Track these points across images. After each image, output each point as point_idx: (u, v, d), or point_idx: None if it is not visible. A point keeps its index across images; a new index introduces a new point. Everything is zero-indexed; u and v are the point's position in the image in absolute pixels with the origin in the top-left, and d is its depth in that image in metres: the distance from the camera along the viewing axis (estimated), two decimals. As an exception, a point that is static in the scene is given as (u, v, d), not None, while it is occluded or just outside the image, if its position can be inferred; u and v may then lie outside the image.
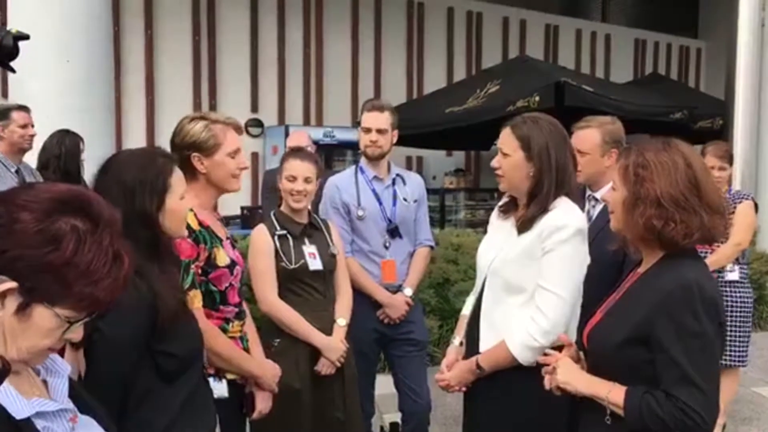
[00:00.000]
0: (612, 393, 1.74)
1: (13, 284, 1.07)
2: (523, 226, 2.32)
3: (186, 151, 2.30)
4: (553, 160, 2.30)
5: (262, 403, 2.51)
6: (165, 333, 1.74)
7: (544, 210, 2.28)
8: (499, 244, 2.41)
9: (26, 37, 2.54)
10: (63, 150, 4.51)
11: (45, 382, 1.21)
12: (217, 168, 2.34)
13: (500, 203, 2.54)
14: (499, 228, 2.48)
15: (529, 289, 2.28)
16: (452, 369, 2.46)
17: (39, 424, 1.12)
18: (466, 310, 2.60)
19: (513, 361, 2.25)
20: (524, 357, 2.23)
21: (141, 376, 1.74)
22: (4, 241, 1.06)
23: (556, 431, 2.30)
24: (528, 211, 2.32)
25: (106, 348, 1.67)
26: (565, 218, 2.27)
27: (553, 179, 2.29)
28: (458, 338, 2.56)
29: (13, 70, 2.74)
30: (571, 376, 1.86)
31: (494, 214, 2.57)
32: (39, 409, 1.12)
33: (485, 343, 2.34)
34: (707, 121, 8.75)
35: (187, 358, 1.85)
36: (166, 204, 1.86)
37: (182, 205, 1.93)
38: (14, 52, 2.57)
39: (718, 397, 1.70)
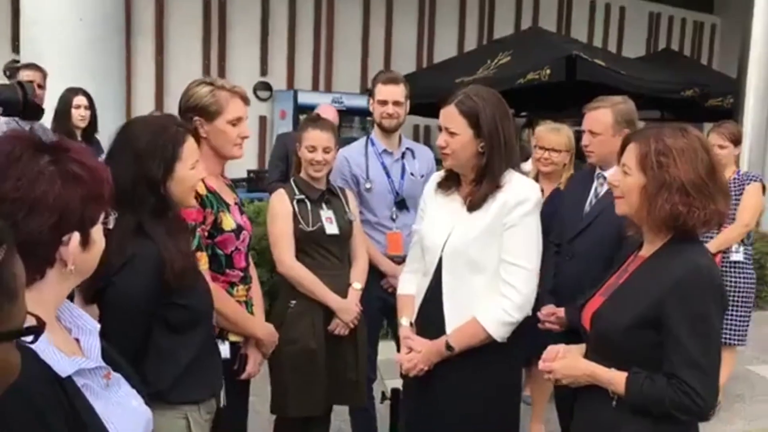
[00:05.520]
0: (614, 380, 1.78)
1: (76, 235, 1.17)
2: (476, 204, 2.27)
3: (189, 114, 2.32)
4: (502, 135, 2.24)
5: (253, 366, 2.56)
6: (175, 289, 1.80)
7: (496, 187, 2.25)
8: (447, 222, 2.34)
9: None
10: (59, 107, 4.53)
11: (77, 340, 1.26)
12: (218, 134, 2.36)
13: (438, 180, 2.45)
14: (442, 205, 2.40)
15: (492, 265, 2.26)
16: (418, 350, 2.32)
17: (78, 381, 1.17)
18: (407, 290, 2.51)
19: (486, 339, 2.23)
20: (500, 333, 2.24)
21: (153, 330, 1.80)
22: (46, 209, 1.13)
23: (513, 404, 2.43)
24: (480, 188, 2.27)
25: (119, 302, 1.74)
26: (524, 192, 2.25)
27: (503, 155, 2.25)
28: (407, 319, 2.45)
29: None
30: (569, 372, 1.89)
31: (430, 190, 2.48)
32: (79, 367, 1.17)
33: (453, 326, 2.30)
34: (718, 100, 8.69)
35: (198, 311, 1.90)
36: (175, 171, 1.90)
37: (192, 174, 1.95)
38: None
39: (718, 382, 1.75)
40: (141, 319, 1.78)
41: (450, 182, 2.39)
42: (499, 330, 2.23)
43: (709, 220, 1.76)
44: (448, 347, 2.26)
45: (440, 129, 2.32)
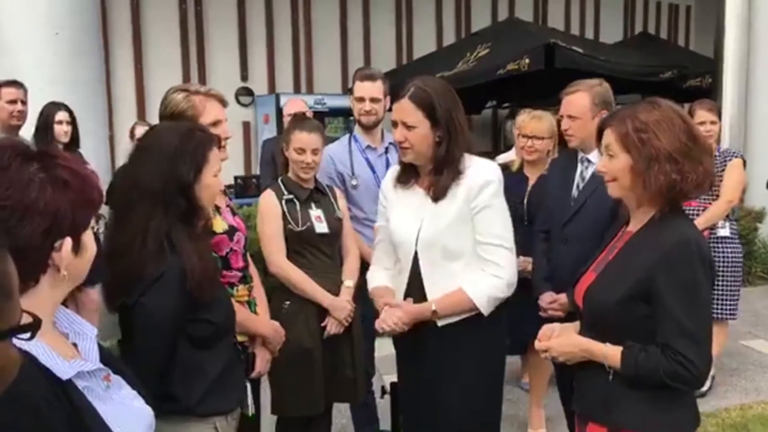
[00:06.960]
0: (609, 355, 1.81)
1: (68, 240, 1.17)
2: (441, 193, 2.29)
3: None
4: (457, 123, 2.27)
5: (262, 365, 2.57)
6: (201, 301, 1.79)
7: (458, 173, 2.28)
8: (414, 216, 2.35)
9: None
10: (40, 122, 4.48)
11: (75, 345, 1.27)
12: None
13: (395, 176, 2.46)
14: (404, 199, 2.41)
15: (468, 249, 2.30)
16: (400, 311, 2.31)
17: (79, 384, 1.18)
18: (379, 281, 2.53)
19: (471, 310, 2.26)
20: (487, 308, 2.28)
21: (180, 345, 1.80)
22: (38, 216, 1.13)
23: (499, 376, 2.49)
24: (442, 177, 2.29)
25: (147, 322, 1.75)
26: (487, 174, 2.29)
27: (460, 141, 2.28)
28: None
29: None
30: (565, 349, 1.92)
31: (388, 186, 2.49)
32: (79, 370, 1.18)
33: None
34: (697, 80, 8.78)
35: (223, 325, 1.91)
36: (202, 176, 1.89)
37: (215, 181, 1.96)
38: None
39: (711, 350, 1.78)
40: (169, 337, 1.79)
41: (408, 175, 2.41)
42: (489, 305, 2.28)
43: (701, 181, 1.80)
44: (434, 312, 2.28)
45: (395, 125, 2.32)
